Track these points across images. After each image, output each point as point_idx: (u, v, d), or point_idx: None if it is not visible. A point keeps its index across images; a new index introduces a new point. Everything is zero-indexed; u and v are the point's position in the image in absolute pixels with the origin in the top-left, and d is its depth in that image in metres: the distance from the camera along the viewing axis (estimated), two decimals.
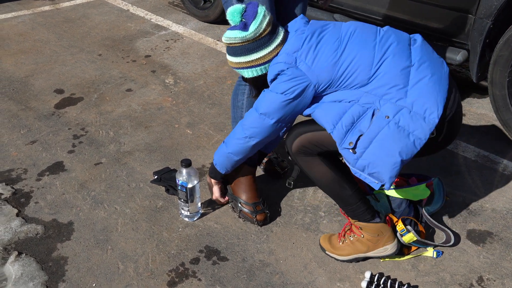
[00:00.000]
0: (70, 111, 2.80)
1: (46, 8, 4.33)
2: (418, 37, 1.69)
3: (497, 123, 2.59)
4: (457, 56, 2.61)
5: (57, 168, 2.33)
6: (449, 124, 1.61)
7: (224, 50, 3.53)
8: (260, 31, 1.64)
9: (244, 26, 1.64)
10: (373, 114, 1.55)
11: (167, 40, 3.72)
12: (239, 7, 1.66)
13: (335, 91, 1.61)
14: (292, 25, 1.71)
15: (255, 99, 1.79)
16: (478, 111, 2.78)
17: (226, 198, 2.06)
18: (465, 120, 2.69)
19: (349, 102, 1.59)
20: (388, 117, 1.53)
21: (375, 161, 1.52)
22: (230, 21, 1.69)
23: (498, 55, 2.35)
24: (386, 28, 1.69)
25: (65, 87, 3.05)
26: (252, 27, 1.63)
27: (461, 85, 3.04)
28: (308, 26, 1.68)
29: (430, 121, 1.52)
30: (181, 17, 4.15)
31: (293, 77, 1.60)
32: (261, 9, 1.65)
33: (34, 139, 2.55)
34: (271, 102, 1.65)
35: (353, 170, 1.59)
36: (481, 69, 2.53)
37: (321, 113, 1.63)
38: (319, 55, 1.60)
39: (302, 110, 1.67)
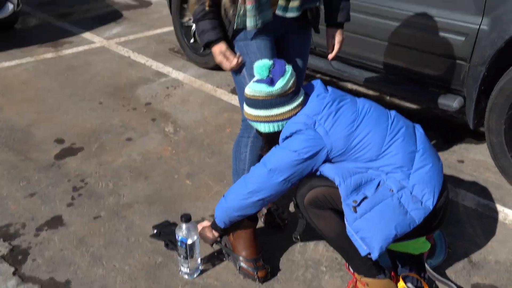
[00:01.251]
0: (70, 162, 2.81)
1: (49, 55, 4.42)
2: (419, 126, 1.81)
3: (496, 170, 2.59)
4: (453, 103, 2.64)
5: (56, 222, 2.32)
6: (438, 213, 1.69)
7: (223, 97, 3.58)
8: (286, 89, 1.69)
9: (271, 82, 1.68)
10: (378, 184, 1.62)
11: (168, 87, 3.77)
12: (268, 62, 1.70)
13: (344, 160, 1.66)
14: (311, 88, 1.77)
15: (265, 153, 1.81)
16: (476, 157, 2.78)
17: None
18: (464, 167, 2.69)
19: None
20: (392, 191, 1.61)
21: (371, 227, 1.55)
22: (256, 75, 1.72)
23: (494, 103, 2.38)
24: (393, 112, 1.79)
25: (66, 137, 3.08)
26: (280, 84, 1.67)
27: (458, 131, 3.06)
28: (329, 93, 1.74)
29: (426, 207, 1.60)
30: (181, 64, 4.22)
31: (310, 138, 1.65)
32: (289, 68, 1.71)
33: (33, 191, 2.55)
34: (282, 158, 1.68)
35: (348, 229, 1.62)
36: (477, 115, 2.55)
37: (331, 167, 1.67)
38: (337, 122, 1.65)
39: (309, 172, 1.69)
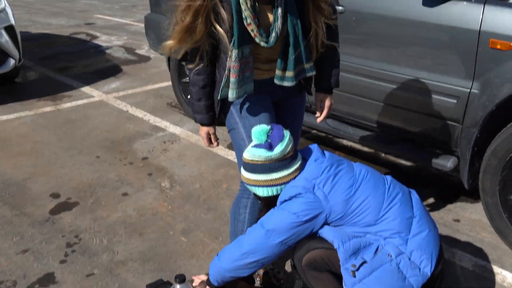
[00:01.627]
0: (65, 217, 2.79)
1: (48, 109, 4.47)
2: (414, 192, 1.84)
3: (492, 229, 2.59)
4: (447, 162, 2.67)
5: (47, 279, 2.28)
6: (435, 280, 1.68)
7: (220, 152, 3.61)
8: (285, 153, 1.71)
9: (270, 147, 1.71)
10: (377, 249, 1.62)
11: (165, 142, 3.81)
12: (266, 127, 1.74)
13: (343, 225, 1.67)
14: (309, 152, 1.80)
15: (263, 215, 1.82)
16: (472, 217, 2.79)
17: None
18: (460, 226, 2.70)
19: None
20: (390, 256, 1.61)
21: None
22: (255, 140, 1.75)
23: (487, 164, 2.41)
24: (389, 177, 1.81)
25: (61, 191, 3.07)
26: (279, 148, 1.70)
27: (453, 189, 3.08)
28: (327, 157, 1.77)
29: (424, 273, 1.59)
30: (179, 118, 4.28)
31: (309, 201, 1.65)
32: (287, 133, 1.75)
33: (26, 247, 2.51)
34: (281, 220, 1.68)
35: None
36: (472, 175, 2.58)
37: (330, 230, 1.68)
38: (336, 187, 1.67)
39: (307, 235, 1.69)
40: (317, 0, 1.79)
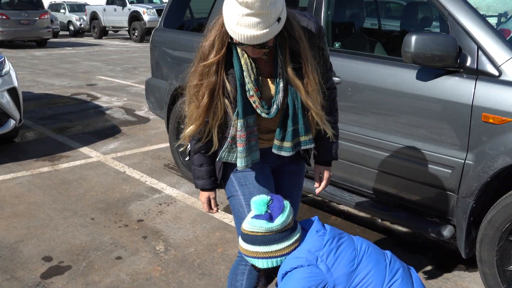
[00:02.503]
0: (57, 282, 2.73)
1: (45, 169, 4.48)
2: (413, 269, 1.82)
3: None
4: (444, 231, 2.66)
5: None
6: None
7: (216, 215, 3.59)
8: (286, 225, 1.71)
9: (270, 218, 1.70)
10: None
11: (161, 204, 3.79)
12: (266, 198, 1.74)
13: None
14: (308, 224, 1.79)
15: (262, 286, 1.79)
16: (470, 286, 2.74)
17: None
18: None
19: None
20: None
21: None
22: (255, 210, 1.75)
23: (484, 234, 2.40)
24: (389, 252, 1.80)
25: (54, 254, 3.02)
26: (279, 220, 1.69)
27: (451, 257, 3.05)
28: (328, 230, 1.76)
29: None
30: (175, 180, 4.29)
31: (313, 276, 1.62)
32: (287, 204, 1.75)
33: None
34: None
35: None
36: (469, 245, 2.56)
37: None
38: (339, 259, 1.65)
39: None
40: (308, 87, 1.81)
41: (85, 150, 5.07)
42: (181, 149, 4.08)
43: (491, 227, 2.36)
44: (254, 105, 1.81)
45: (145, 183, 4.20)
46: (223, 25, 1.69)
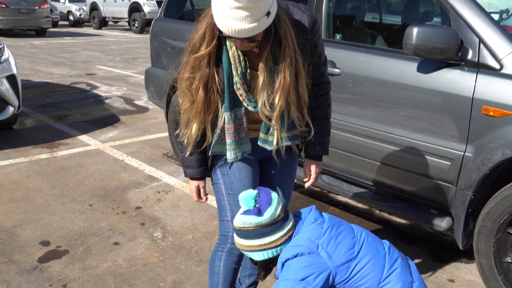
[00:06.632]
0: (54, 265, 2.73)
1: (43, 156, 4.48)
2: (410, 259, 1.83)
3: None
4: (442, 223, 2.68)
5: None
6: None
7: (213, 203, 3.59)
8: (275, 217, 1.71)
9: (259, 212, 1.70)
10: None
11: (159, 192, 3.80)
12: (253, 193, 1.74)
13: None
14: (307, 213, 1.79)
15: (262, 280, 1.81)
16: (467, 277, 2.76)
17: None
18: (454, 287, 2.67)
19: None
20: None
21: None
22: (243, 206, 1.75)
23: (482, 226, 2.42)
24: (387, 242, 1.80)
25: (51, 239, 3.02)
26: (268, 213, 1.70)
27: (447, 249, 3.07)
28: (327, 218, 1.76)
29: None
30: (174, 169, 4.29)
31: (314, 263, 1.62)
32: (274, 196, 1.75)
33: None
34: None
35: None
36: (466, 236, 2.58)
37: None
38: (339, 247, 1.66)
39: None
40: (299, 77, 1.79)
41: (83, 138, 5.07)
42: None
43: (489, 218, 2.37)
44: (240, 98, 1.81)
45: (144, 171, 4.20)
46: (213, 16, 1.66)
